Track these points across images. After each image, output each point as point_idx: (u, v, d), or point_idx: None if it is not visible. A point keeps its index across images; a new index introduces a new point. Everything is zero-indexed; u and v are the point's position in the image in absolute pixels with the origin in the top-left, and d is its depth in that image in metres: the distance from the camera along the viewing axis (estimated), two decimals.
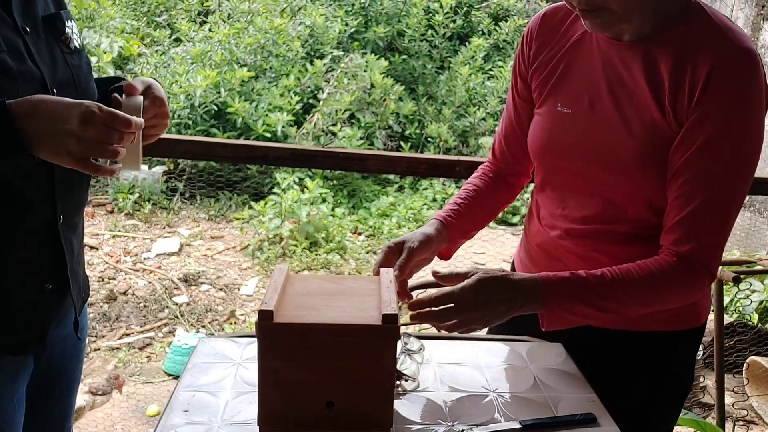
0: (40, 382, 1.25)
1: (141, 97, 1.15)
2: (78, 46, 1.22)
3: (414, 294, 1.40)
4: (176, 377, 3.42)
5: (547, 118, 1.35)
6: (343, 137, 5.72)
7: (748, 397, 3.32)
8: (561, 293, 1.19)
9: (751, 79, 1.15)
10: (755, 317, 3.85)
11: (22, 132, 0.98)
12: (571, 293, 1.19)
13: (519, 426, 1.14)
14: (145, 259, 4.80)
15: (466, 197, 1.49)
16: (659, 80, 1.20)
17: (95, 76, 1.28)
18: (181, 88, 5.69)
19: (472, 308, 1.17)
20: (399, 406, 1.18)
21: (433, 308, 1.17)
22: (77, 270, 1.27)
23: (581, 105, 1.30)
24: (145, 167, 1.41)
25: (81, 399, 2.81)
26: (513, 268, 1.58)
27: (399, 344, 1.20)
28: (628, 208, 1.29)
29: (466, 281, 1.19)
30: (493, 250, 4.84)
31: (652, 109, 1.21)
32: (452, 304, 1.16)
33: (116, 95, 1.20)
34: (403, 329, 1.31)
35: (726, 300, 3.67)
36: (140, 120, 1.05)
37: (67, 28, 1.20)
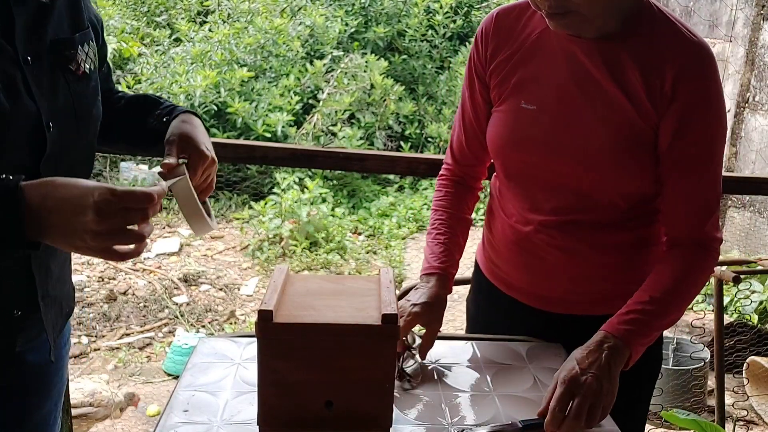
0: (10, 387, 1.20)
1: (183, 169, 1.11)
2: (88, 70, 1.14)
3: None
4: (176, 377, 3.42)
5: (509, 115, 1.36)
6: (343, 137, 5.72)
7: (748, 397, 3.33)
8: (637, 332, 1.22)
9: (712, 70, 1.25)
10: (755, 318, 3.85)
11: (30, 225, 0.89)
12: (643, 327, 1.23)
13: (519, 426, 1.14)
14: (145, 259, 4.80)
15: (445, 231, 1.46)
16: (628, 78, 1.25)
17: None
18: (181, 88, 5.69)
19: (585, 382, 1.15)
20: (399, 406, 1.18)
21: (563, 412, 1.14)
22: (55, 292, 1.20)
23: (547, 101, 1.31)
24: (214, 223, 1.30)
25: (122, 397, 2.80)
26: (477, 269, 1.57)
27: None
28: (599, 196, 1.32)
29: (558, 377, 1.18)
30: None
31: (625, 106, 1.25)
32: (568, 395, 1.14)
33: (159, 176, 1.13)
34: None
35: (726, 300, 3.67)
36: (161, 188, 0.95)
37: (78, 55, 1.11)
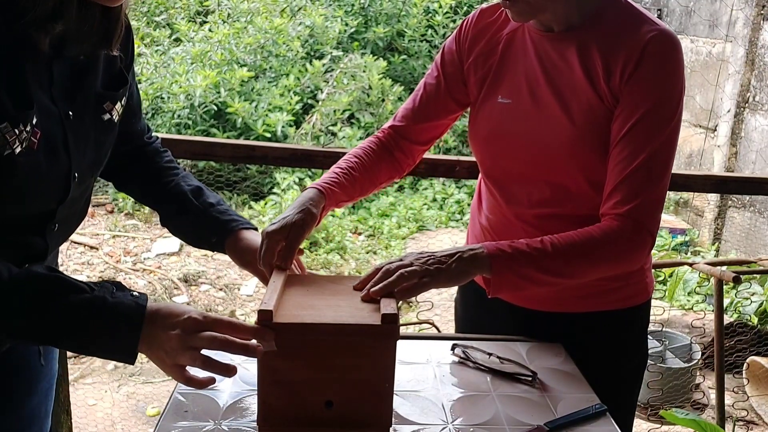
0: None
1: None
2: (115, 119, 1.16)
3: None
4: None
5: (488, 110, 1.41)
6: (343, 137, 5.72)
7: (748, 397, 3.33)
8: (507, 254, 1.21)
9: (674, 55, 1.27)
10: (755, 319, 3.85)
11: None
12: (517, 253, 1.21)
13: (547, 429, 1.13)
14: (145, 259, 4.80)
15: (347, 167, 1.44)
16: (592, 65, 1.29)
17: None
18: (181, 88, 5.69)
19: (412, 259, 1.18)
20: (399, 406, 1.18)
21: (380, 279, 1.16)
22: None
23: (521, 94, 1.37)
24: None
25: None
26: None
27: None
28: (571, 186, 1.35)
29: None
30: None
31: (589, 93, 1.29)
32: (390, 267, 1.17)
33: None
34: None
35: (726, 302, 3.67)
36: (255, 328, 1.02)
37: (114, 108, 1.14)
